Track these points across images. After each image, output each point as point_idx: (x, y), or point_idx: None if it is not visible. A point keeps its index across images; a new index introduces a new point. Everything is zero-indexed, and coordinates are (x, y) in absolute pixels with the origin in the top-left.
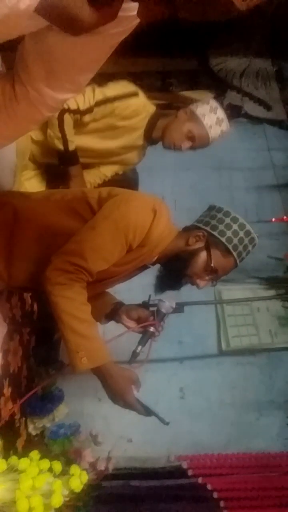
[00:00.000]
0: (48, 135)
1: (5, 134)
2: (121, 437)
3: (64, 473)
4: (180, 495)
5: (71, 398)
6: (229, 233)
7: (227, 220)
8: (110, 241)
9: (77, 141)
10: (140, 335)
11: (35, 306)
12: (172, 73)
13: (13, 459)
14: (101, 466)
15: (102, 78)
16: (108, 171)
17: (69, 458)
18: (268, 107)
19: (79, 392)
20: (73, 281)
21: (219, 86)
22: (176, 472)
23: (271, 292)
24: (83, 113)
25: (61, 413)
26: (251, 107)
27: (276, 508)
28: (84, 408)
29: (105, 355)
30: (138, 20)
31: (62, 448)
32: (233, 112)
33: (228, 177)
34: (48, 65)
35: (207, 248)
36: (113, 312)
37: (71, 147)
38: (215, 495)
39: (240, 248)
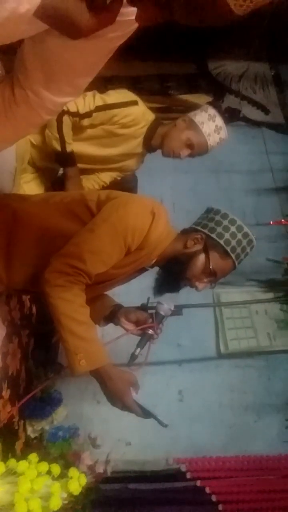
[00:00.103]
0: (46, 135)
1: (5, 137)
2: (120, 440)
3: (63, 476)
4: (178, 498)
5: (70, 401)
6: (227, 235)
7: (225, 222)
8: (109, 243)
9: (77, 147)
10: (139, 338)
11: (34, 309)
12: (170, 76)
13: (12, 461)
14: (100, 469)
15: (101, 81)
16: (107, 177)
17: (68, 461)
18: (266, 111)
19: (78, 395)
20: (72, 283)
21: (217, 90)
22: (175, 475)
23: (270, 295)
24: (82, 116)
25: (60, 415)
26: (249, 111)
27: (275, 511)
28: (83, 411)
29: (104, 357)
30: (136, 25)
31: (60, 450)
32: (232, 116)
33: (226, 180)
34: (47, 68)
35: (205, 250)
36: (111, 314)
37: (68, 148)
38: (214, 498)
39: (238, 250)
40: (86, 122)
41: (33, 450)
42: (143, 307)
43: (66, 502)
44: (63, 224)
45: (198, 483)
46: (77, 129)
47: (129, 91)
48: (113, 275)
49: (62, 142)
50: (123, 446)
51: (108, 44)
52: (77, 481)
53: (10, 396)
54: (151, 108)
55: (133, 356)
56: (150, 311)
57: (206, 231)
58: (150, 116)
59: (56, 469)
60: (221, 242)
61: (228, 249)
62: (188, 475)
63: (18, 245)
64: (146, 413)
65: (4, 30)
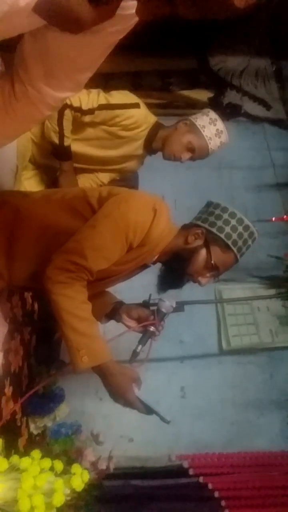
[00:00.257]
0: (46, 126)
1: (5, 133)
2: (122, 436)
3: (66, 472)
4: (181, 494)
5: (72, 398)
6: (227, 229)
7: (225, 215)
8: (111, 240)
9: (77, 148)
10: (141, 335)
11: (36, 306)
12: (171, 72)
13: (15, 458)
14: (102, 466)
15: (101, 77)
16: (106, 178)
17: (71, 457)
18: (267, 106)
19: (80, 392)
20: (74, 279)
21: (218, 86)
22: (177, 471)
23: (272, 291)
24: (84, 112)
25: (62, 412)
26: (250, 106)
27: (277, 507)
28: (86, 407)
29: (106, 354)
30: (136, 19)
31: (63, 447)
32: (233, 111)
33: (228, 176)
34: (47, 64)
35: (206, 245)
36: (113, 311)
37: (66, 142)
38: (216, 494)
39: (240, 243)
40: (87, 118)
41: (36, 446)
42: (145, 304)
43: (69, 498)
44: (64, 221)
45: (201, 479)
46: (78, 125)
47: (130, 91)
48: (114, 272)
49: (61, 135)
50: (126, 442)
51: (108, 39)
52: (80, 478)
53: (12, 393)
54: (152, 104)
55: (134, 353)
56: (151, 308)
57: (206, 225)
58: (152, 119)
59: (59, 465)
60: (222, 236)
61: (229, 242)
62: (191, 472)
63: (19, 242)
64: (148, 410)
65: (4, 24)
